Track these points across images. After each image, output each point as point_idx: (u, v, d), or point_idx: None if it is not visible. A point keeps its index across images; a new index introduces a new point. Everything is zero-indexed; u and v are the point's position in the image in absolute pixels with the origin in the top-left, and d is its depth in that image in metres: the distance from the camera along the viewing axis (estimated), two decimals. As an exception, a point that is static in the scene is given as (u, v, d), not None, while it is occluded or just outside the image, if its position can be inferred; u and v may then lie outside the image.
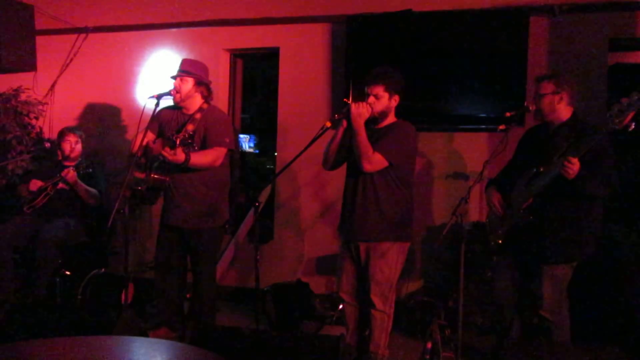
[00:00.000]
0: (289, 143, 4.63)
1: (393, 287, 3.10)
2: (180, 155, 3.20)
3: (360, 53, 4.29)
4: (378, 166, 2.99)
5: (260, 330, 3.10)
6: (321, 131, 2.96)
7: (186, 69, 3.48)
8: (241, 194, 5.13)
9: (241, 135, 6.97)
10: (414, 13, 4.15)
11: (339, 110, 3.08)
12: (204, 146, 3.44)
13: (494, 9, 4.07)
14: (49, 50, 5.22)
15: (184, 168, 3.32)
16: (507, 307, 3.09)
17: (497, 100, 3.97)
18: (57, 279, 4.00)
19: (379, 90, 3.02)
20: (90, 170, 4.10)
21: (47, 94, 5.25)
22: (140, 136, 3.42)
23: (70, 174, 3.98)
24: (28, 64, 5.12)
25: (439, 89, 4.15)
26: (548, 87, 2.86)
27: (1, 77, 5.12)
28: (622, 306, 3.54)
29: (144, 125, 3.46)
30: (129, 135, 4.96)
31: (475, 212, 4.15)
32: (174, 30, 4.93)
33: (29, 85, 5.14)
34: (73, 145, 4.26)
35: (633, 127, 2.43)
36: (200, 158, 3.34)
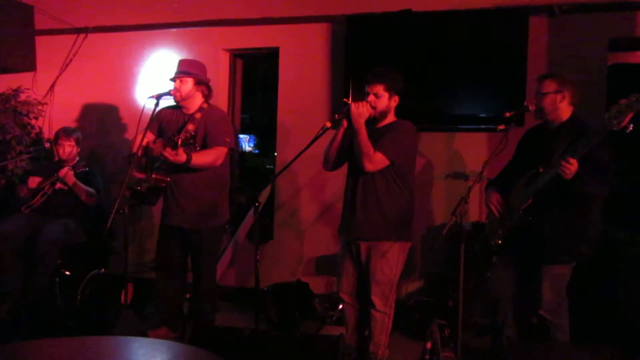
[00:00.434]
0: (289, 143, 4.63)
1: (393, 287, 3.10)
2: (181, 156, 3.20)
3: (359, 53, 4.29)
4: (379, 165, 2.99)
5: (260, 330, 3.11)
6: (321, 131, 2.96)
7: (185, 70, 3.48)
8: (241, 194, 5.13)
9: (241, 135, 6.95)
10: (414, 13, 4.15)
11: (338, 110, 3.09)
12: (204, 146, 3.44)
13: (494, 9, 4.07)
14: (49, 50, 5.22)
15: (185, 168, 3.32)
16: (501, 305, 3.09)
17: (497, 100, 3.97)
18: (57, 279, 3.99)
19: (379, 89, 3.02)
20: (87, 169, 4.09)
21: (46, 94, 5.24)
22: (140, 136, 3.42)
23: (68, 173, 3.98)
24: (27, 64, 5.12)
25: (438, 88, 4.15)
26: (550, 85, 2.86)
27: (1, 77, 5.13)
28: (621, 306, 3.54)
29: (143, 125, 3.46)
30: (129, 135, 4.96)
31: (475, 212, 4.15)
32: (173, 30, 4.93)
33: (29, 85, 5.15)
34: (67, 150, 4.23)
35: (631, 128, 2.43)
36: (201, 158, 3.34)
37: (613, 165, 2.73)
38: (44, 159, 4.86)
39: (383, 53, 4.20)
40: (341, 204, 3.30)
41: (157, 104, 3.39)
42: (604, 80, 4.00)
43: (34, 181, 4.10)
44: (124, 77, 5.08)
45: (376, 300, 3.06)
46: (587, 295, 3.43)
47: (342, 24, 4.39)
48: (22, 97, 5.03)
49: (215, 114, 3.54)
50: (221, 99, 4.85)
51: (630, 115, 2.41)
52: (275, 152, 4.89)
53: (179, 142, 3.16)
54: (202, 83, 3.52)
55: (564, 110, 2.88)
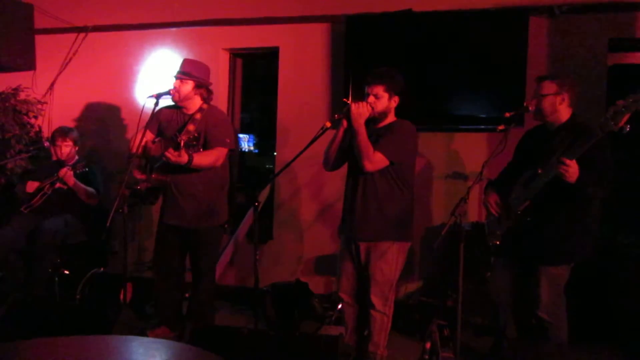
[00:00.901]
0: (288, 143, 4.63)
1: (393, 287, 3.10)
2: (183, 157, 3.21)
3: (359, 53, 4.28)
4: (379, 165, 2.99)
5: (259, 330, 3.10)
6: (321, 131, 2.96)
7: (187, 71, 3.47)
8: (240, 193, 5.13)
9: (240, 135, 6.96)
10: (414, 13, 4.15)
11: (338, 110, 3.09)
12: (204, 146, 3.44)
13: (494, 9, 4.07)
14: (48, 50, 5.22)
15: (185, 168, 3.32)
16: (502, 307, 3.09)
17: (497, 100, 3.97)
18: (56, 278, 4.00)
19: (379, 90, 3.02)
20: (87, 169, 4.09)
21: (46, 93, 5.24)
22: (139, 135, 3.42)
23: (68, 173, 3.98)
24: (27, 63, 5.12)
25: (438, 89, 4.15)
26: (551, 87, 2.86)
27: (0, 76, 5.12)
28: (620, 307, 3.54)
29: (143, 124, 3.46)
30: (129, 134, 4.96)
31: (475, 212, 4.15)
32: (173, 29, 4.93)
33: (28, 84, 5.14)
34: (64, 150, 4.23)
35: (629, 128, 2.43)
36: (202, 159, 3.34)
37: (612, 166, 2.73)
38: (44, 158, 4.86)
39: (383, 53, 4.20)
40: (341, 203, 3.30)
41: (156, 104, 3.39)
42: (604, 81, 4.00)
43: (31, 186, 4.11)
44: (124, 76, 5.08)
45: (375, 300, 3.06)
46: (586, 295, 3.43)
47: (342, 23, 4.39)
48: (22, 96, 5.03)
49: (215, 115, 3.54)
50: (221, 99, 4.84)
51: (627, 116, 2.41)
52: (274, 151, 4.89)
53: (182, 144, 3.16)
54: (203, 86, 3.51)
55: (564, 111, 2.88)
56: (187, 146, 3.19)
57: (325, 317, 3.96)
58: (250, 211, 4.49)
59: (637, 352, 3.38)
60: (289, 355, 2.36)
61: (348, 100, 4.12)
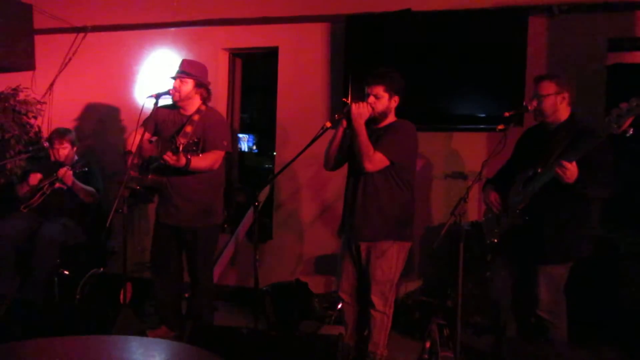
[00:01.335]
0: (288, 142, 4.63)
1: (393, 287, 3.10)
2: (181, 160, 3.21)
3: (359, 52, 4.29)
4: (379, 165, 2.99)
5: (258, 329, 3.10)
6: (321, 131, 2.96)
7: (186, 70, 3.47)
8: (240, 193, 5.13)
9: (240, 135, 6.96)
10: (413, 12, 4.15)
11: (337, 110, 3.09)
12: (202, 149, 3.44)
13: (493, 9, 4.08)
14: (48, 50, 5.22)
15: (181, 170, 3.32)
16: (502, 306, 3.09)
17: (496, 100, 3.97)
18: (56, 279, 4.00)
19: (379, 90, 3.02)
20: (86, 169, 4.09)
21: (45, 93, 5.24)
22: (134, 134, 3.41)
23: (67, 173, 3.98)
24: (26, 63, 5.12)
25: (437, 88, 4.15)
26: (550, 87, 2.85)
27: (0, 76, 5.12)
28: (619, 306, 3.55)
29: (141, 123, 3.46)
30: (128, 134, 4.95)
31: (474, 212, 4.15)
32: (172, 29, 4.93)
33: (28, 84, 5.14)
34: (61, 152, 4.22)
35: (631, 132, 2.43)
36: (199, 162, 3.34)
37: (614, 168, 2.73)
38: (43, 158, 4.85)
39: (382, 53, 4.20)
40: (340, 203, 3.30)
41: (156, 104, 3.39)
42: (603, 81, 4.00)
43: (35, 177, 4.11)
44: (123, 76, 5.08)
45: (376, 300, 3.06)
46: (586, 294, 3.43)
47: (342, 23, 4.39)
48: (21, 96, 5.02)
49: (213, 118, 3.54)
50: (220, 99, 4.85)
51: (630, 119, 2.40)
52: (274, 151, 4.89)
53: (181, 148, 3.16)
54: (202, 86, 3.51)
55: (563, 111, 2.88)
56: (186, 151, 3.19)
57: (325, 317, 3.96)
58: (250, 211, 4.49)
59: (637, 352, 3.38)
60: (289, 355, 2.36)
61: (347, 100, 4.14)
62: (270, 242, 4.73)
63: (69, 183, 4.03)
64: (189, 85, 3.46)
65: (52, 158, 4.32)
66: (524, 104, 3.02)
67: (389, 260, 3.05)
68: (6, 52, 4.87)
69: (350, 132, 3.02)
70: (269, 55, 4.83)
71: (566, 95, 2.85)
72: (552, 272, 2.87)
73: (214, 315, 3.80)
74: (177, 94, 3.45)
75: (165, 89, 3.44)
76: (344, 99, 4.19)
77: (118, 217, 3.14)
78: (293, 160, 3.03)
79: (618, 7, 3.93)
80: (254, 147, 10.71)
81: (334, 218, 3.57)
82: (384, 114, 3.07)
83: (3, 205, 4.65)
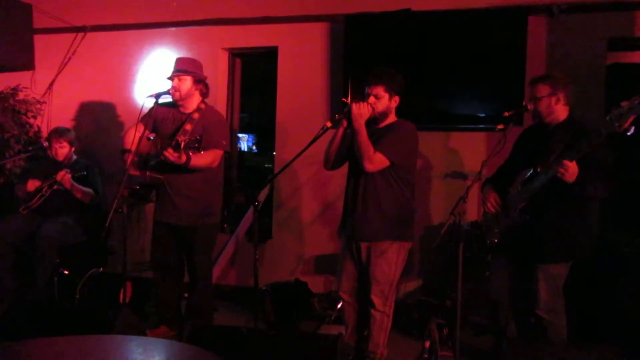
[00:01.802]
0: (288, 142, 4.63)
1: (393, 287, 3.10)
2: (182, 157, 3.21)
3: (358, 52, 4.29)
4: (379, 165, 2.99)
5: (258, 329, 3.10)
6: (321, 131, 2.97)
7: (183, 68, 3.47)
8: (240, 193, 5.13)
9: (240, 135, 6.96)
10: (413, 12, 4.15)
11: (337, 110, 3.09)
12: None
13: (493, 9, 4.07)
14: (47, 49, 5.22)
15: (181, 168, 3.32)
16: (502, 306, 3.09)
17: (496, 99, 3.97)
18: (56, 278, 3.99)
19: (379, 90, 3.02)
20: (85, 173, 4.08)
21: (45, 93, 5.24)
22: (131, 132, 3.39)
23: (65, 177, 3.98)
24: (26, 63, 5.12)
25: (437, 88, 4.15)
26: (544, 89, 2.86)
27: (-1, 76, 5.12)
28: (619, 305, 3.55)
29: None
30: (125, 131, 4.95)
31: (474, 211, 4.15)
32: (172, 29, 4.93)
33: (27, 84, 5.14)
34: (59, 152, 4.23)
35: (633, 130, 2.43)
36: (199, 160, 3.34)
37: (612, 166, 2.73)
38: (42, 158, 4.85)
39: (382, 52, 4.20)
40: (340, 202, 3.30)
41: (156, 103, 3.39)
42: (602, 80, 4.00)
43: (32, 184, 4.11)
44: (123, 76, 5.08)
45: (376, 299, 3.06)
46: (585, 294, 3.43)
47: (341, 23, 4.39)
48: (21, 95, 5.02)
49: (212, 116, 3.54)
50: (220, 98, 4.84)
51: (632, 118, 2.41)
52: (274, 151, 4.89)
53: (183, 145, 3.16)
54: (201, 81, 3.52)
55: (560, 111, 2.88)
56: (188, 148, 3.19)
57: (324, 317, 3.96)
58: (250, 211, 4.49)
59: (637, 352, 3.38)
60: (289, 355, 2.36)
61: (347, 99, 4.14)
62: (270, 241, 4.74)
63: (68, 186, 4.03)
64: (187, 82, 3.46)
65: (51, 157, 4.32)
66: (524, 103, 3.02)
67: (389, 260, 3.05)
68: (6, 52, 4.87)
69: (351, 132, 3.02)
70: (269, 55, 4.83)
71: (561, 95, 2.85)
72: (552, 272, 2.87)
73: (214, 315, 3.80)
74: (177, 93, 3.45)
75: (165, 89, 3.44)
76: (343, 99, 4.19)
77: (117, 217, 3.14)
78: (293, 160, 3.03)
79: (617, 7, 3.93)
80: (254, 147, 10.72)
81: (333, 218, 3.57)
82: (384, 114, 3.07)
83: (2, 205, 4.66)
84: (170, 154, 3.19)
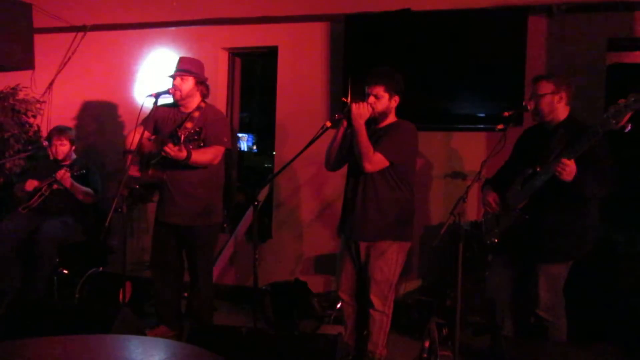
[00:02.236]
0: (287, 142, 4.63)
1: (392, 287, 3.10)
2: (182, 152, 3.20)
3: (358, 52, 4.29)
4: (379, 166, 2.99)
5: (258, 329, 3.10)
6: (321, 131, 2.96)
7: (186, 68, 3.47)
8: (240, 193, 5.13)
9: (239, 134, 6.96)
10: (413, 12, 4.15)
11: (337, 109, 3.09)
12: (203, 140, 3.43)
13: (493, 8, 4.07)
14: (47, 49, 5.22)
15: (181, 166, 3.32)
16: (500, 306, 3.09)
17: (496, 99, 3.97)
18: (55, 278, 4.00)
19: (379, 90, 3.02)
20: (84, 171, 4.08)
21: (45, 93, 5.24)
22: (133, 133, 3.40)
23: (65, 175, 3.98)
24: (26, 62, 5.12)
25: (437, 88, 4.15)
26: (547, 87, 2.86)
27: (-1, 75, 5.12)
28: (619, 305, 3.55)
29: (141, 122, 3.46)
30: (127, 133, 4.95)
31: (474, 211, 4.15)
32: (172, 28, 4.93)
33: (27, 83, 5.14)
34: (60, 150, 4.23)
35: (630, 128, 2.44)
36: (200, 155, 3.34)
37: (612, 166, 2.73)
38: (42, 157, 4.85)
39: (382, 52, 4.20)
40: (340, 202, 3.30)
41: (155, 103, 3.39)
42: (602, 80, 4.00)
43: (31, 184, 4.11)
44: (123, 75, 5.08)
45: (375, 299, 3.06)
46: (585, 294, 3.43)
47: (341, 23, 4.39)
48: (21, 95, 5.02)
49: (213, 114, 3.54)
50: (220, 98, 4.84)
51: (628, 115, 2.41)
52: (273, 150, 4.89)
53: (182, 138, 3.16)
54: (202, 83, 3.52)
55: (562, 110, 2.88)
56: (188, 141, 3.18)
57: (324, 317, 3.97)
58: (250, 210, 4.49)
59: (637, 352, 3.38)
60: (288, 355, 2.36)
61: (347, 99, 4.14)
62: (269, 241, 4.73)
63: (67, 185, 4.03)
64: (189, 83, 3.46)
65: (51, 156, 4.32)
66: (524, 103, 3.02)
67: (389, 260, 3.05)
68: (5, 51, 4.87)
69: (351, 132, 3.02)
70: (269, 55, 4.83)
71: (564, 94, 2.85)
72: (552, 271, 2.87)
73: (214, 315, 3.80)
74: (178, 93, 3.45)
75: (164, 88, 3.44)
76: (343, 99, 4.19)
77: (117, 217, 3.14)
78: (293, 160, 3.03)
79: (617, 7, 3.93)
80: (254, 147, 10.73)
81: (333, 217, 3.57)
82: (384, 114, 3.07)
83: (2, 204, 4.66)
84: (170, 149, 3.18)
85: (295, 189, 4.69)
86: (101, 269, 4.10)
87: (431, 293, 4.09)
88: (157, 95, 3.36)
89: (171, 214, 3.52)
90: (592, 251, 2.93)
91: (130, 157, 3.35)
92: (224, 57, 4.96)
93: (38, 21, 5.15)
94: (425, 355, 3.07)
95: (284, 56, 4.69)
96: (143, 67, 5.03)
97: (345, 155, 3.17)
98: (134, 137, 3.40)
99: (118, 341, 2.07)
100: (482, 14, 4.06)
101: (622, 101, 2.43)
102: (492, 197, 3.07)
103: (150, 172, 3.43)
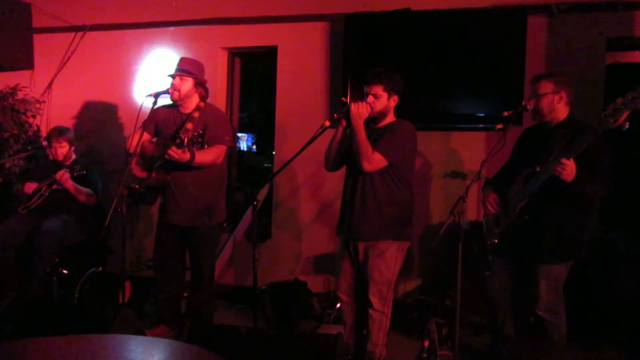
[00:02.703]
0: (287, 142, 4.63)
1: (391, 286, 3.10)
2: (186, 154, 3.20)
3: (358, 52, 4.28)
4: (378, 165, 2.99)
5: (257, 329, 3.10)
6: (320, 130, 2.96)
7: (186, 69, 3.47)
8: (239, 192, 5.13)
9: (239, 134, 6.96)
10: (412, 12, 4.15)
11: (336, 109, 3.09)
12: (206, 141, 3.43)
13: (492, 8, 4.08)
14: (47, 49, 5.22)
15: (185, 167, 3.32)
16: (500, 306, 3.10)
17: (495, 99, 3.97)
18: (55, 278, 3.99)
19: (378, 90, 3.02)
20: (84, 172, 4.08)
21: (44, 92, 5.24)
22: (135, 135, 3.40)
23: (64, 176, 3.97)
24: (25, 62, 5.11)
25: (437, 87, 4.15)
26: (547, 86, 2.86)
27: (-2, 75, 5.12)
28: (618, 305, 3.55)
29: (141, 123, 3.46)
30: (127, 133, 4.95)
31: (473, 211, 4.15)
32: (171, 28, 4.93)
33: (26, 83, 5.14)
34: (59, 151, 4.22)
35: (627, 126, 2.44)
36: (204, 156, 3.34)
37: (611, 165, 2.73)
38: (42, 157, 4.85)
39: (381, 52, 4.20)
40: (339, 202, 3.30)
41: (155, 103, 3.39)
42: (602, 80, 4.00)
43: (29, 187, 4.10)
44: (122, 75, 5.08)
45: (374, 299, 3.06)
46: (585, 294, 3.43)
47: (341, 22, 4.39)
48: (20, 95, 5.02)
49: (214, 113, 3.54)
50: (219, 98, 4.84)
51: (626, 113, 2.42)
52: (273, 150, 4.89)
53: (186, 141, 3.16)
54: (201, 85, 3.51)
55: (562, 110, 2.88)
56: (191, 143, 3.18)
57: (323, 316, 3.96)
58: (249, 210, 4.48)
59: (637, 352, 3.38)
60: (288, 355, 2.36)
61: (346, 99, 4.13)
62: (269, 241, 4.73)
63: (67, 186, 4.03)
64: (188, 83, 3.45)
65: (50, 157, 4.32)
66: (523, 103, 3.02)
67: (388, 260, 3.05)
68: (5, 51, 4.86)
69: (350, 132, 3.01)
70: (268, 55, 4.83)
71: (564, 94, 2.85)
72: (552, 271, 2.87)
73: (213, 315, 3.80)
74: (176, 93, 3.44)
75: (164, 88, 3.43)
76: (343, 98, 4.19)
77: (117, 216, 3.14)
78: (292, 160, 3.03)
79: (617, 7, 3.93)
80: (253, 147, 10.72)
81: (333, 217, 3.57)
82: (383, 114, 3.07)
83: (1, 204, 4.65)
84: (174, 152, 3.18)
85: (294, 189, 4.69)
86: (101, 268, 4.10)
87: (431, 293, 4.10)
88: (156, 95, 3.36)
89: (175, 215, 3.52)
90: (592, 251, 2.93)
91: (135, 159, 3.35)
92: (223, 57, 4.96)
93: (37, 21, 5.15)
94: (424, 355, 3.07)
95: (284, 56, 4.69)
96: (142, 67, 5.03)
97: (344, 155, 3.17)
98: (136, 139, 3.40)
99: (118, 341, 2.07)
100: (481, 14, 4.06)
101: (619, 100, 2.44)
102: (492, 198, 3.07)
103: (153, 174, 3.43)
